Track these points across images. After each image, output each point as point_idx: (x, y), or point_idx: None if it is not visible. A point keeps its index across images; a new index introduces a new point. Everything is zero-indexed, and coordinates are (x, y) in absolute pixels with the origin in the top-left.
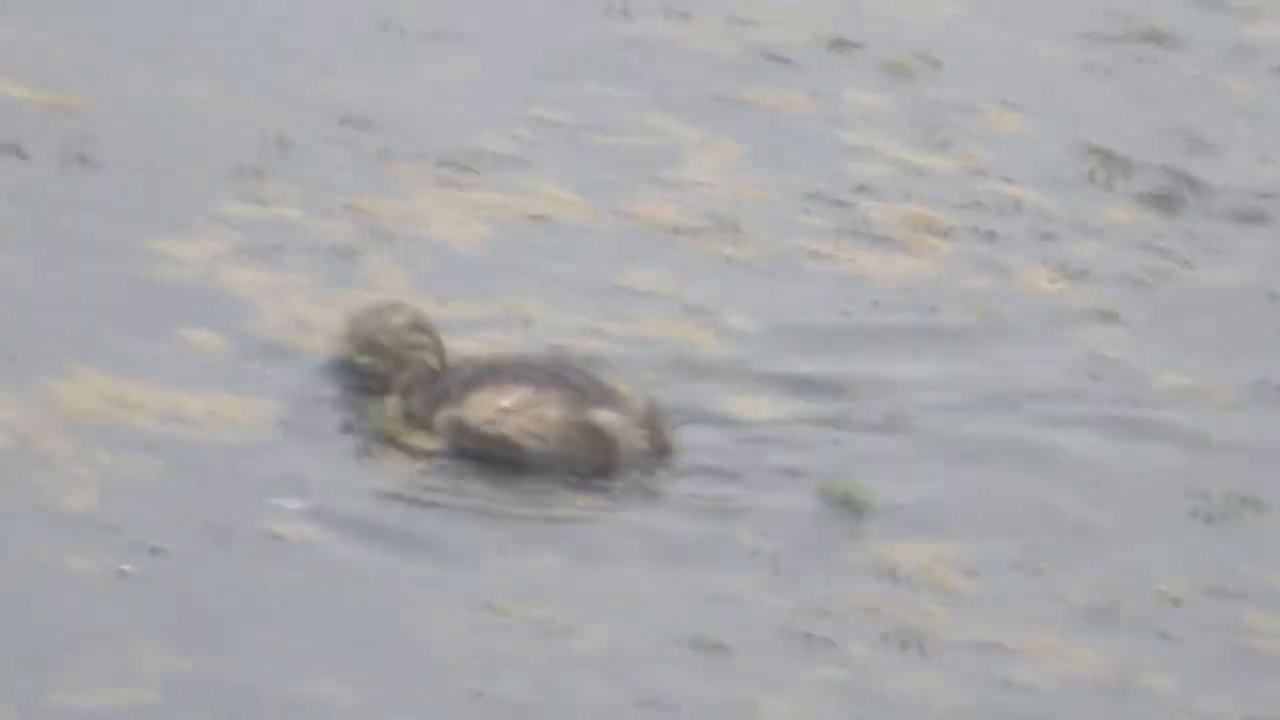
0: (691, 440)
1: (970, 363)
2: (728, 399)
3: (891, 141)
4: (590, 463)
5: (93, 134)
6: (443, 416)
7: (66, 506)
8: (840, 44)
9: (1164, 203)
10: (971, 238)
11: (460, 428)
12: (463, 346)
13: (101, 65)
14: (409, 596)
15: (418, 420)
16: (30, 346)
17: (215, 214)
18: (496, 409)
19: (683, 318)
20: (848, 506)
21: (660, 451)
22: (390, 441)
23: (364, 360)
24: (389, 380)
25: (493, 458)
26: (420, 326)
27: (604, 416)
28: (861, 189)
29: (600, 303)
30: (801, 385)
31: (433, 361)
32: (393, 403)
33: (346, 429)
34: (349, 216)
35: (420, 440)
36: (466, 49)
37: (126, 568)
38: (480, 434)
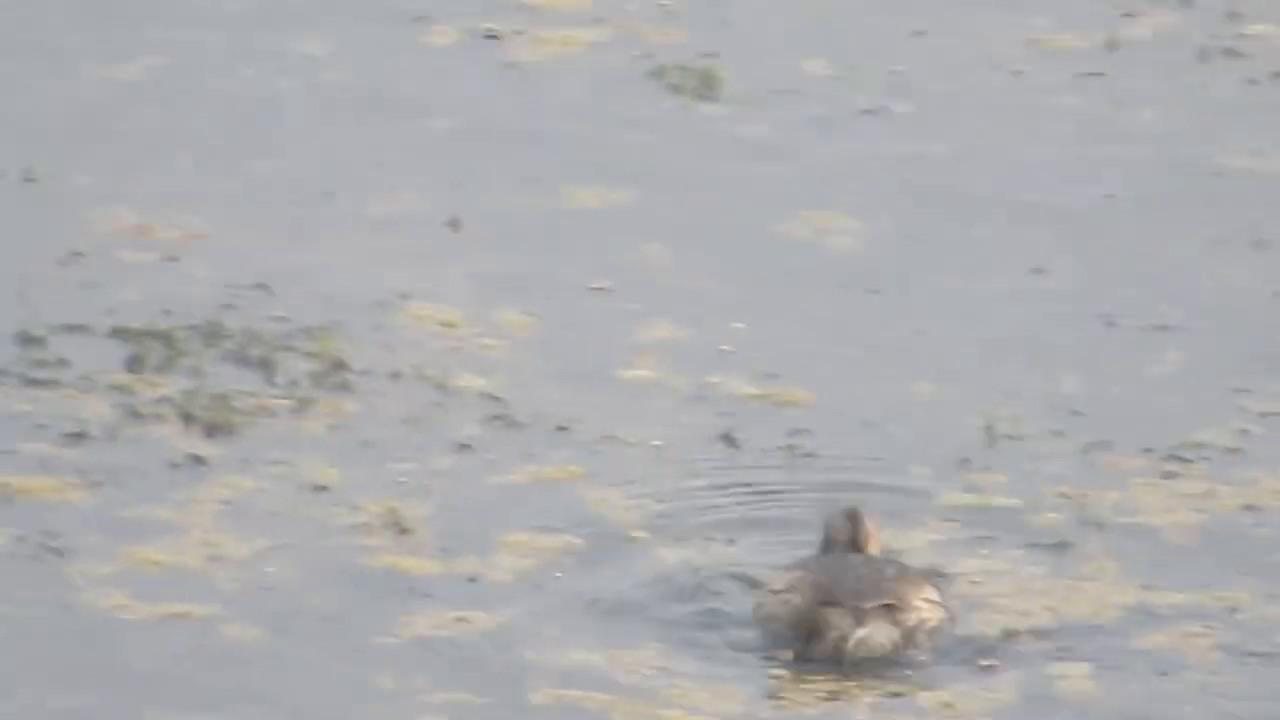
0: None
1: None
2: None
3: None
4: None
5: (810, 427)
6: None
7: None
8: None
9: None
10: None
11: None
12: (1162, 638)
13: (821, 359)
14: None
15: None
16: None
17: (934, 505)
18: (770, 589)
19: None
20: None
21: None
22: None
23: None
24: None
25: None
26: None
27: (831, 614)
28: None
29: None
30: None
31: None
32: None
33: None
34: (1062, 506)
35: None
36: (1179, 340)
37: None
38: (754, 608)
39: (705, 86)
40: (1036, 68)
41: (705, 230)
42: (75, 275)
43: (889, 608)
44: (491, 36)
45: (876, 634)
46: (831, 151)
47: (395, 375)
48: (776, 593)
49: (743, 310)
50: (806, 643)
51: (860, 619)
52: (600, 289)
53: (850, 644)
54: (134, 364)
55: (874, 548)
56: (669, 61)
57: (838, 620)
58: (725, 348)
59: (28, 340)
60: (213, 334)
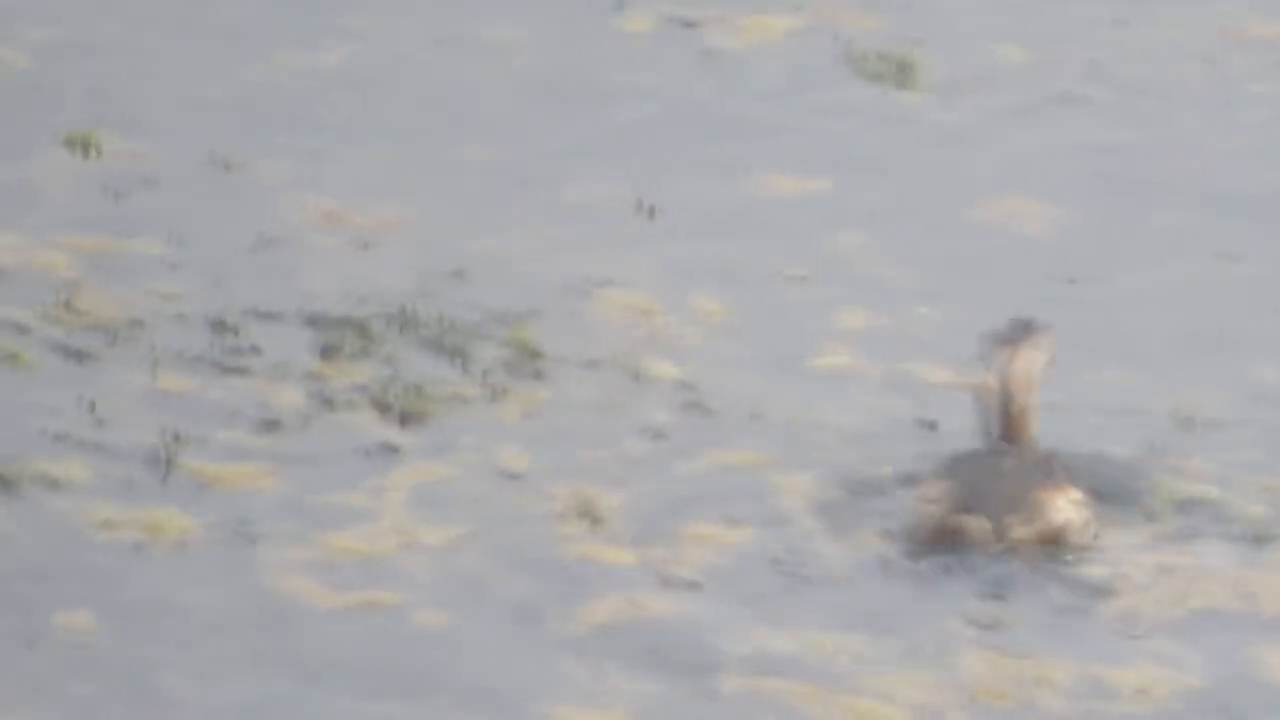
0: None
1: None
2: None
3: None
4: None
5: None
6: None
7: None
8: None
9: None
10: None
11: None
12: None
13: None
14: None
15: None
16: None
17: (1126, 491)
18: (919, 497)
19: None
20: None
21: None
22: None
23: None
24: None
25: None
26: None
27: (972, 522)
28: None
29: None
30: None
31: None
32: None
33: None
34: (1257, 494)
35: None
36: None
37: None
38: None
39: (902, 74)
40: (1233, 56)
41: (901, 217)
42: (268, 262)
43: (1030, 516)
44: (689, 25)
45: (1019, 543)
46: (1027, 138)
47: (589, 363)
48: (926, 501)
49: (938, 296)
50: (950, 549)
51: (1001, 533)
52: (796, 276)
53: (995, 549)
54: (328, 351)
55: (1035, 364)
56: (866, 49)
57: (977, 531)
58: (920, 331)
59: (221, 327)
60: (407, 322)
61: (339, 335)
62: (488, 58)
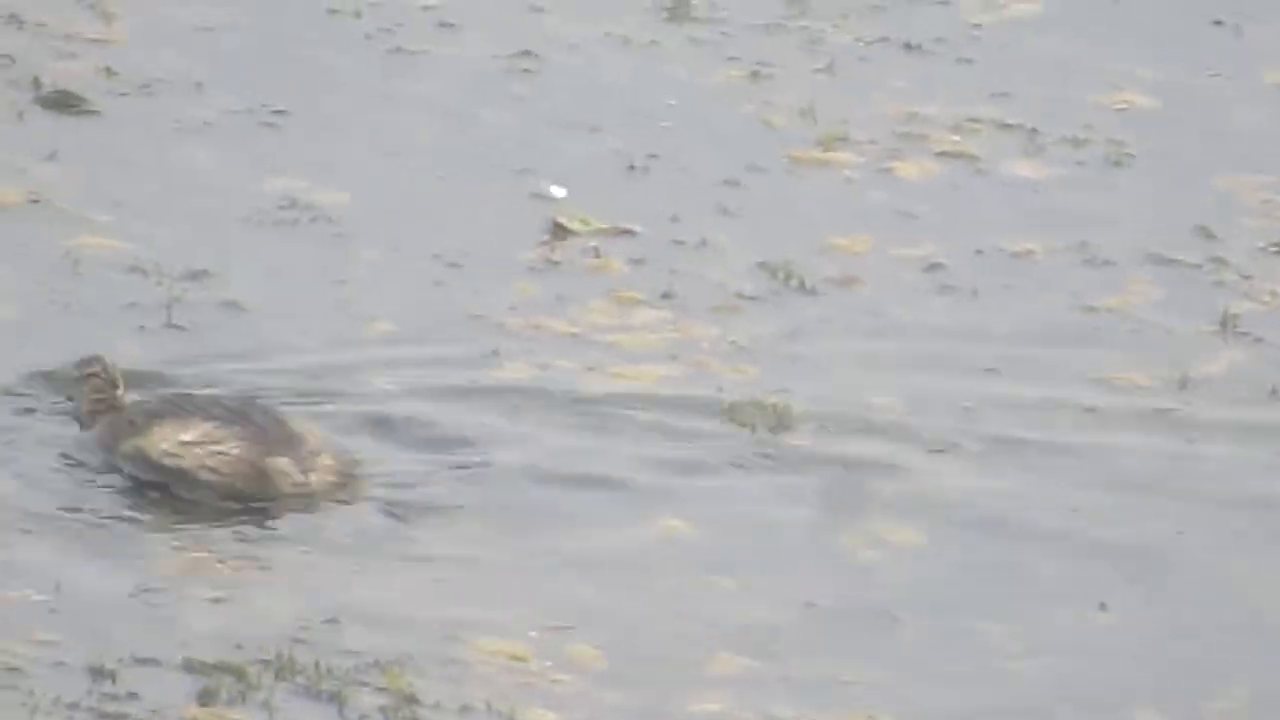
0: None
1: None
2: None
3: None
4: (255, 497)
5: None
6: (128, 446)
7: None
8: None
9: None
10: None
11: (142, 457)
12: None
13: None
14: None
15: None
16: None
17: None
18: (178, 442)
19: None
20: None
21: (346, 487)
22: None
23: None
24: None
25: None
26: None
27: (279, 463)
28: None
29: None
30: None
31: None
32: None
33: None
34: None
35: None
36: (1246, 662)
37: None
38: (160, 465)
39: (778, 423)
40: (1107, 404)
41: (775, 569)
42: (145, 609)
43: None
44: (564, 373)
45: (324, 479)
46: (900, 487)
47: (465, 709)
48: (196, 444)
49: (811, 639)
50: (253, 494)
51: (307, 466)
52: (672, 624)
53: (312, 490)
54: (206, 698)
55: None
56: (740, 398)
57: (290, 471)
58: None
59: (99, 674)
60: (284, 668)
61: (217, 681)
62: None
